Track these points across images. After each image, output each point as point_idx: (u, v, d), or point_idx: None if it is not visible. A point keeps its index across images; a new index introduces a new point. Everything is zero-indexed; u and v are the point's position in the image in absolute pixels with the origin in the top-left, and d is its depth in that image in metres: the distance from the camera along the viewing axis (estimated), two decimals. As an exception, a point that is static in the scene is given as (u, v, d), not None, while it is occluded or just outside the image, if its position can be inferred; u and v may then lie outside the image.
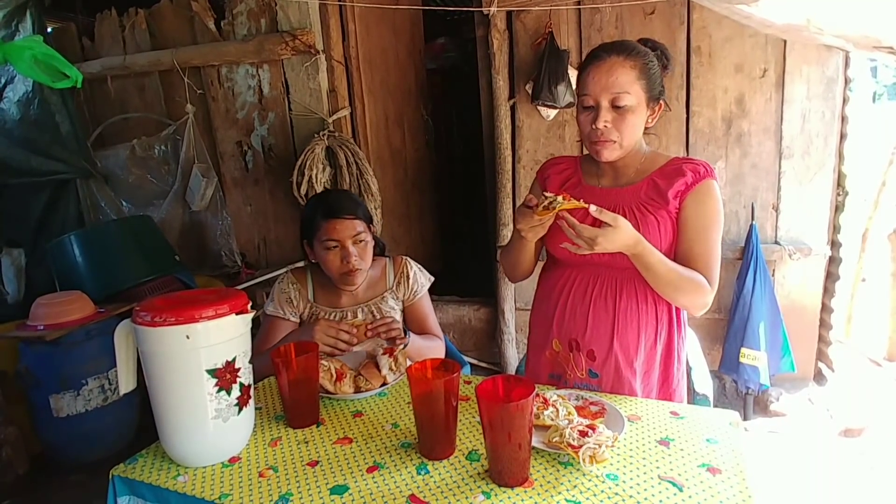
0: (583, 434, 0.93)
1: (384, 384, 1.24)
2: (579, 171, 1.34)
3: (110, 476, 0.98)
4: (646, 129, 1.24)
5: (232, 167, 3.04)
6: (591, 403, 1.09)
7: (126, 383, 0.98)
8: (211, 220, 3.09)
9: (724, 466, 0.90)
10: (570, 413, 1.03)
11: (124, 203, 3.18)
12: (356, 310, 1.53)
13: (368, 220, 1.50)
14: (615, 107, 1.15)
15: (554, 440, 0.95)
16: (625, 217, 1.17)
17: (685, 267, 1.18)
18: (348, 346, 1.29)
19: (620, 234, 1.06)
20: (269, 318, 1.51)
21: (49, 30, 3.08)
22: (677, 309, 1.27)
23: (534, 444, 0.95)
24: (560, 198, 1.08)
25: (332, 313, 1.51)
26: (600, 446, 0.91)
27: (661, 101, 1.22)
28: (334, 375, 1.19)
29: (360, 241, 1.45)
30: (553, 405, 1.04)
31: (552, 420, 1.00)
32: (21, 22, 2.93)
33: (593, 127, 1.17)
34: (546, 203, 1.08)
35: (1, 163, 3.15)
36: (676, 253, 1.21)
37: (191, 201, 3.00)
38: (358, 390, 1.21)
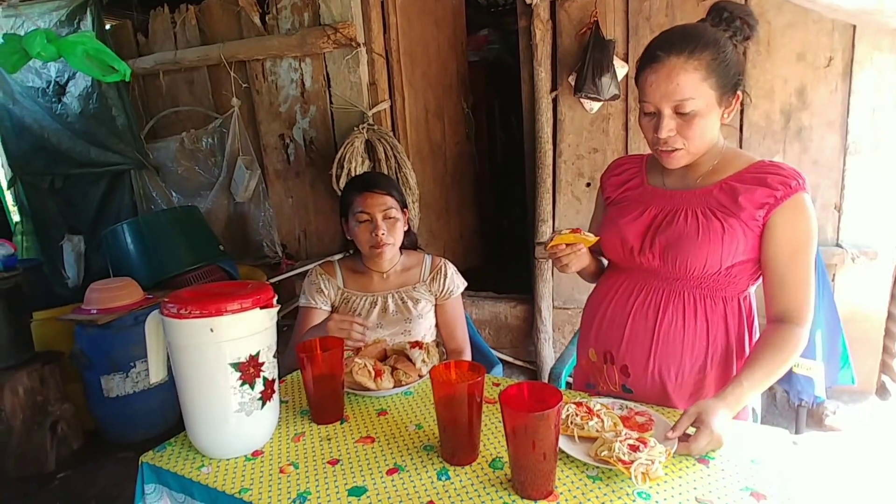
0: (633, 448, 0.87)
1: (420, 377, 1.23)
2: (644, 171, 1.23)
3: (139, 462, 1.00)
4: (721, 122, 1.10)
5: (274, 159, 3.09)
6: (637, 413, 1.02)
7: (156, 373, 1.00)
8: (254, 212, 3.17)
9: (769, 492, 0.83)
10: (616, 424, 0.97)
11: (174, 193, 3.30)
12: (387, 295, 1.55)
13: (402, 202, 1.55)
14: (679, 113, 1.02)
15: (602, 454, 0.89)
16: (685, 220, 1.09)
17: (766, 336, 1.06)
18: (359, 341, 1.28)
19: (721, 415, 0.92)
20: (302, 310, 1.56)
21: (107, 27, 3.23)
22: (740, 330, 1.13)
23: (579, 456, 0.90)
24: (564, 230, 1.15)
25: (363, 297, 1.54)
26: (653, 462, 0.84)
27: (739, 93, 1.05)
28: (373, 372, 1.19)
29: (390, 218, 1.50)
30: (597, 415, 0.98)
31: (598, 431, 0.95)
32: (82, 19, 3.08)
33: (655, 135, 1.05)
34: (549, 239, 1.16)
35: (64, 154, 3.35)
36: (765, 280, 1.09)
37: (235, 192, 3.08)
38: (398, 384, 1.21)
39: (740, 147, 2.31)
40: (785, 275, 1.05)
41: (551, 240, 1.14)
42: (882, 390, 2.40)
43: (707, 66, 1.00)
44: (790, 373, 2.26)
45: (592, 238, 1.14)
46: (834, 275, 2.29)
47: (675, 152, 1.06)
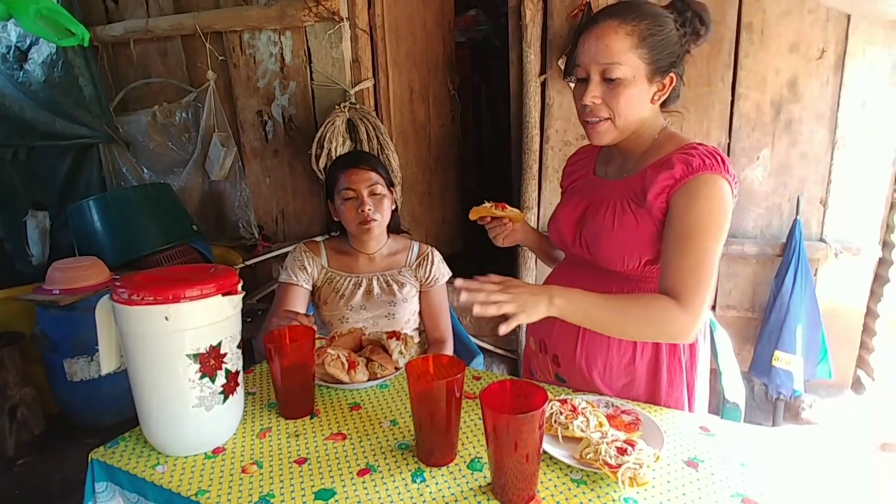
0: (621, 451, 0.82)
1: (396, 369, 1.17)
2: (594, 162, 1.21)
3: (89, 459, 0.92)
4: (663, 108, 1.07)
5: (252, 137, 2.97)
6: (624, 412, 0.98)
7: (107, 363, 0.92)
8: (230, 191, 3.05)
9: (761, 498, 0.79)
10: (601, 423, 0.92)
11: (145, 170, 3.16)
12: (372, 277, 1.51)
13: (387, 180, 1.53)
14: (606, 79, 0.99)
15: (588, 457, 0.84)
16: (605, 212, 1.06)
17: (645, 293, 1.01)
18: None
19: (540, 293, 0.93)
20: (282, 286, 1.51)
21: (74, -10, 3.04)
22: None
23: (563, 458, 0.85)
24: (488, 203, 1.23)
25: (347, 278, 1.50)
26: (641, 466, 0.80)
27: (672, 75, 1.02)
28: (346, 364, 1.12)
29: (377, 194, 1.47)
30: (582, 413, 0.93)
31: (583, 431, 0.90)
32: (46, -19, 2.89)
33: (582, 104, 1.03)
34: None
35: (28, 124, 3.17)
36: (661, 263, 1.03)
37: (210, 171, 2.95)
38: (373, 377, 1.14)
39: (729, 139, 2.28)
40: (671, 259, 0.97)
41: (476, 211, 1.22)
42: (857, 385, 2.41)
43: (640, 34, 0.98)
44: (770, 367, 2.26)
45: (517, 214, 1.19)
46: (816, 270, 2.28)
47: (599, 123, 1.03)
